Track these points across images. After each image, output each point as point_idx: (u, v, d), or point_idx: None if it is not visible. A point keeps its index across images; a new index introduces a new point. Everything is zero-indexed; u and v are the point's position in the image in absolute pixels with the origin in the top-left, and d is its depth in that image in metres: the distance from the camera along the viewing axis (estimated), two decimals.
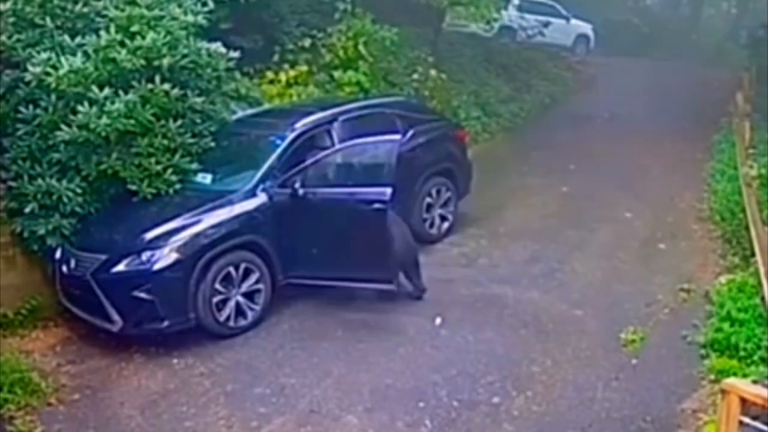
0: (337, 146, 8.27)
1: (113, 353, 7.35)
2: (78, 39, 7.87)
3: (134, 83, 7.66)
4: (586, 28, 25.34)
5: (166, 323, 7.27)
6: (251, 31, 11.56)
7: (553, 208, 11.17)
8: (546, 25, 21.97)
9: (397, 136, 8.29)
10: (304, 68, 11.92)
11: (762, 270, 8.03)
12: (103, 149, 7.77)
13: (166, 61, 7.71)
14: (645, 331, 7.57)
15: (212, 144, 8.25)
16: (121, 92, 7.55)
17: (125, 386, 6.87)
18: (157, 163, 7.84)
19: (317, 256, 7.85)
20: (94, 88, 7.51)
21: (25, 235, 7.79)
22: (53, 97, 7.77)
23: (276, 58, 12.03)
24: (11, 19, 8.04)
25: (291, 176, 7.92)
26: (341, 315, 7.87)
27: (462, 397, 6.51)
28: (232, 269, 7.53)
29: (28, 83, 7.72)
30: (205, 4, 8.37)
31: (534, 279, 8.75)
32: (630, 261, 9.34)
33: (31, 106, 7.85)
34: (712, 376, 6.69)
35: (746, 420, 4.69)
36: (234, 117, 9.22)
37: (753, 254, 8.67)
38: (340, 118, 8.73)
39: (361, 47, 12.49)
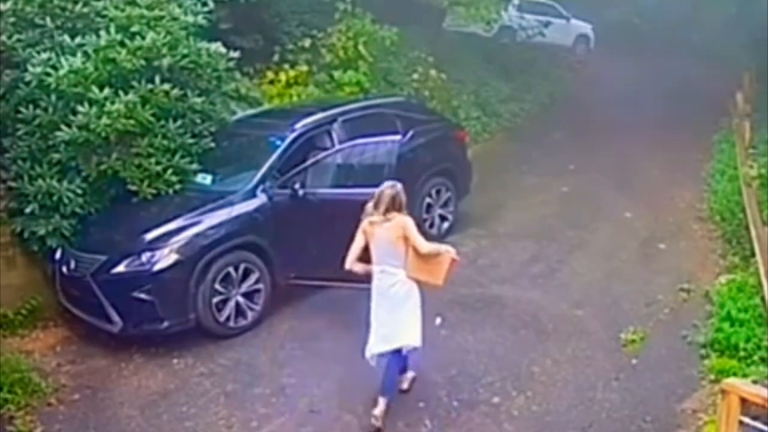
0: (337, 147, 8.27)
1: (113, 353, 7.36)
2: (78, 39, 7.88)
3: (134, 83, 7.67)
4: (586, 28, 25.26)
5: (166, 324, 7.27)
6: (251, 31, 11.57)
7: (553, 208, 11.17)
8: (546, 25, 21.89)
9: (397, 137, 8.31)
10: (304, 68, 11.92)
11: (762, 270, 8.04)
12: (103, 149, 7.77)
13: (166, 61, 7.72)
14: (645, 331, 7.57)
15: (212, 144, 8.27)
16: (121, 92, 7.56)
17: (125, 386, 6.87)
18: (157, 163, 7.85)
19: (317, 256, 7.86)
20: (94, 88, 7.52)
21: (26, 235, 7.80)
22: (53, 97, 7.77)
23: (276, 58, 12.03)
24: (11, 19, 8.06)
25: (291, 177, 7.92)
26: (341, 315, 7.85)
27: (462, 397, 6.52)
28: (231, 269, 7.53)
29: (28, 83, 7.73)
30: (205, 4, 8.38)
31: (534, 279, 8.75)
32: (630, 261, 9.34)
33: (31, 106, 7.85)
34: (712, 376, 6.70)
35: (746, 420, 4.70)
36: (234, 117, 9.25)
37: (753, 254, 8.68)
38: (340, 119, 8.72)
39: (361, 47, 12.50)
